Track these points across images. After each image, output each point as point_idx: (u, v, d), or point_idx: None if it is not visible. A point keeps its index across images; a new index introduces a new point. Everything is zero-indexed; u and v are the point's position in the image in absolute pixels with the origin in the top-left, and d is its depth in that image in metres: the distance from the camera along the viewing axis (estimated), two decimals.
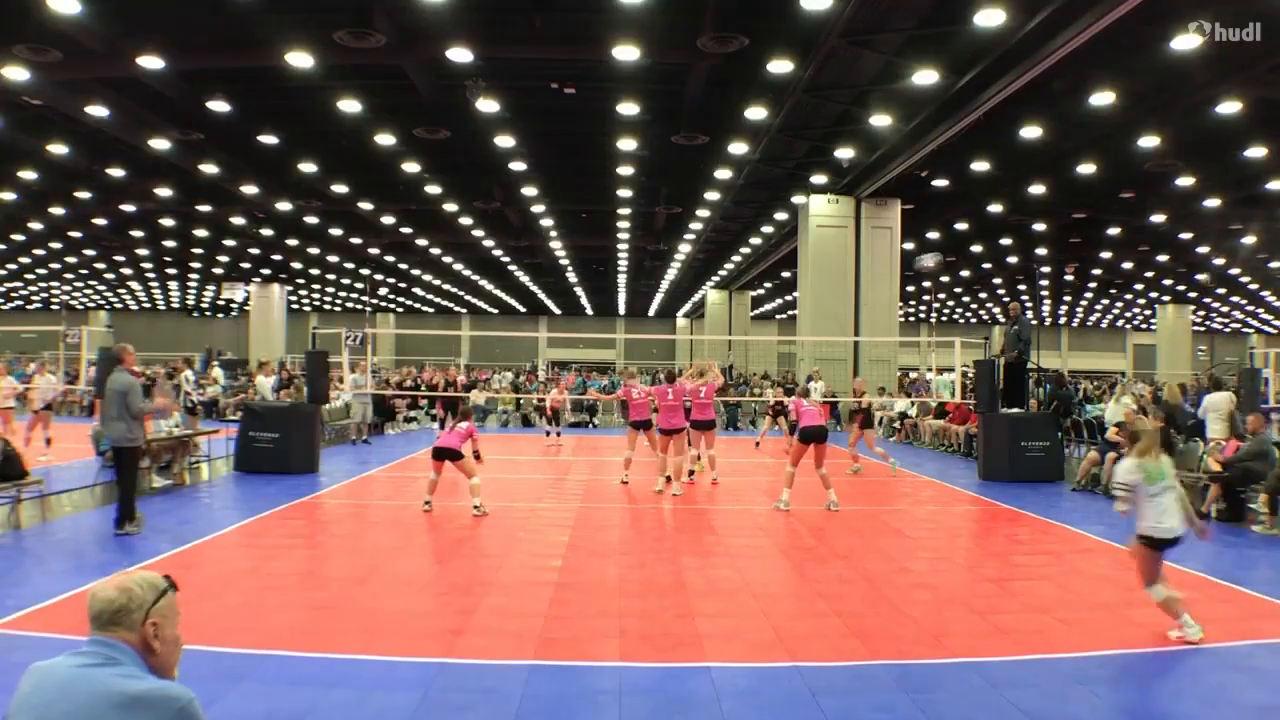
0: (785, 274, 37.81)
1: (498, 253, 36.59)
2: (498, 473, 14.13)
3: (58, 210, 27.64)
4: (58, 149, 20.07)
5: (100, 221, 30.07)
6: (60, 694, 2.05)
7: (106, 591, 2.17)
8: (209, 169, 21.93)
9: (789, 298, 46.58)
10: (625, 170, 22.41)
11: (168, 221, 30.30)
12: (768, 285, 45.19)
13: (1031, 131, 17.55)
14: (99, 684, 2.05)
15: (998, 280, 43.99)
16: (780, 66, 14.47)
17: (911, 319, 56.13)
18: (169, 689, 2.10)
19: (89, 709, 2.02)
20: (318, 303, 59.77)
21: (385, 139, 19.29)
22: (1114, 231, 29.28)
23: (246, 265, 40.92)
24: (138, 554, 7.66)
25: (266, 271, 42.95)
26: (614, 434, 21.18)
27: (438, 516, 10.26)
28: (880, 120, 17.35)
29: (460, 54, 14.02)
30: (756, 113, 16.99)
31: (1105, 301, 52.75)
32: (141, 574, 2.25)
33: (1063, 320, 62.49)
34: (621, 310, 62.11)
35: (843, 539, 9.12)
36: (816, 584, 7.16)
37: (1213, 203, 23.82)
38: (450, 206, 27.11)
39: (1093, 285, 45.10)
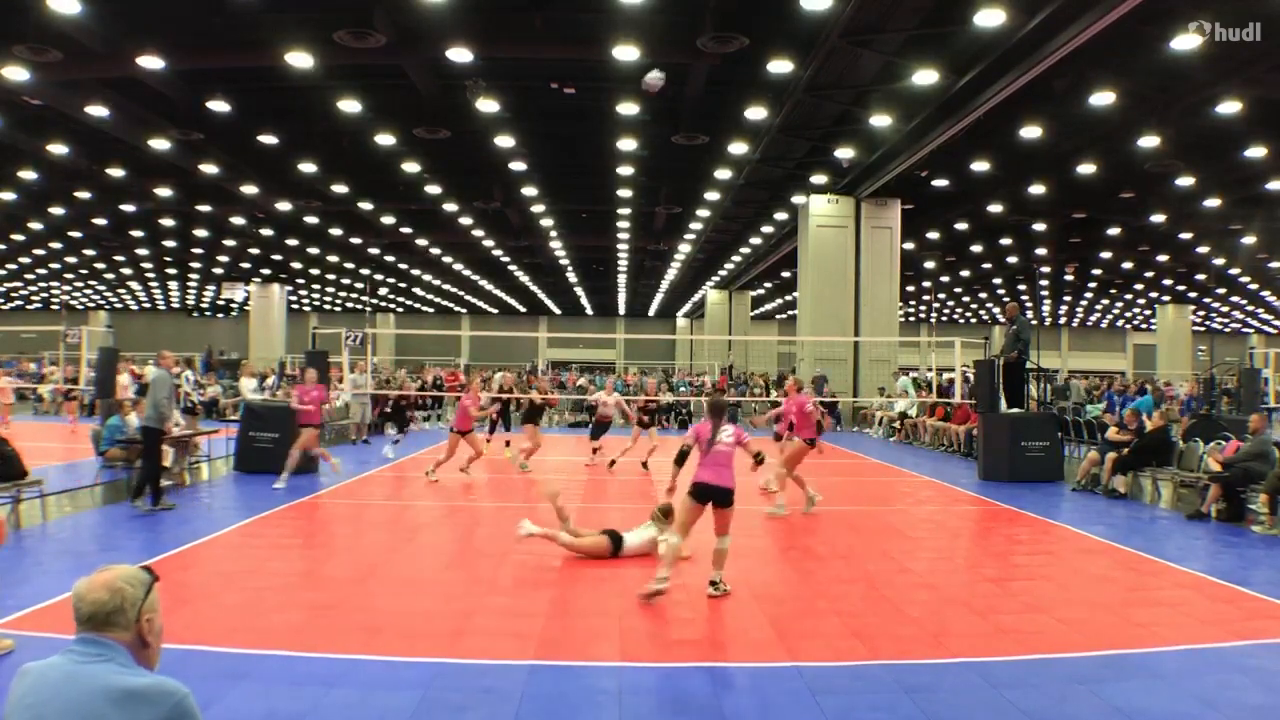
0: (785, 274, 37.79)
1: (498, 253, 36.58)
2: (498, 473, 14.15)
3: (58, 210, 27.62)
4: (58, 149, 20.05)
5: (100, 221, 30.04)
6: (56, 692, 2.03)
7: (96, 593, 2.13)
8: (209, 169, 21.91)
9: (789, 298, 46.55)
10: (625, 170, 22.40)
11: (168, 221, 30.29)
12: (768, 285, 45.17)
13: (1031, 131, 17.53)
14: (95, 680, 2.03)
15: (998, 280, 43.97)
16: (780, 66, 14.47)
17: (911, 319, 56.10)
18: (165, 683, 2.09)
19: (86, 705, 2.00)
20: (318, 303, 59.74)
21: (385, 139, 19.28)
22: (1114, 231, 29.26)
23: (246, 265, 40.89)
24: (139, 553, 7.65)
25: (266, 271, 42.92)
26: (618, 434, 21.11)
27: (436, 516, 10.27)
28: (880, 120, 17.34)
29: (460, 54, 14.02)
30: (756, 113, 16.99)
31: (1105, 301, 52.71)
32: (125, 570, 2.20)
33: (1063, 320, 62.44)
34: (621, 310, 62.10)
35: (843, 539, 9.12)
36: (816, 584, 7.16)
37: (1213, 203, 23.81)
38: (450, 206, 27.10)
39: (1093, 285, 45.07)
